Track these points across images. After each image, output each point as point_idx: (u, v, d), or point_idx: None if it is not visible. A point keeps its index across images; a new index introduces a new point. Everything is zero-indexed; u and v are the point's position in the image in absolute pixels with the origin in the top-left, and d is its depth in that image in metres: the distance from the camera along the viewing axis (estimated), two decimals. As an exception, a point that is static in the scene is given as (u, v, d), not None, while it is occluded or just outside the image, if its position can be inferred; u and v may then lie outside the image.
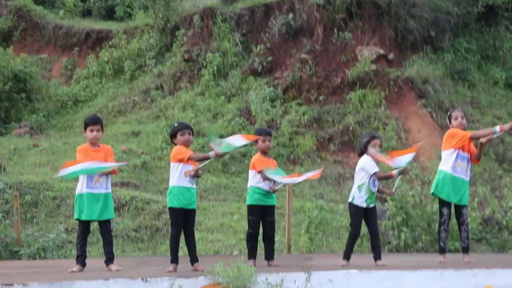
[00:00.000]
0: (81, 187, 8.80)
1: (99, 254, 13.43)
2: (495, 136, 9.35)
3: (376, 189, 9.28)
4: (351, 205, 9.29)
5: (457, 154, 9.45)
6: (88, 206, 8.76)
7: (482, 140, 9.41)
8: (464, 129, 9.54)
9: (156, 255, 14.17)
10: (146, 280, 7.40)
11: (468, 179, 9.57)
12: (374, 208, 9.31)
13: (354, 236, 9.38)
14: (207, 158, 8.66)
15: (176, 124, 9.03)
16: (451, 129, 9.66)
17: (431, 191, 9.82)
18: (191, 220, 8.80)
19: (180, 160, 8.63)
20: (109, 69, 25.98)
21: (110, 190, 8.92)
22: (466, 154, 9.49)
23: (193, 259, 8.72)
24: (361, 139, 9.68)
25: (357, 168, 9.34)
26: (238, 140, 8.86)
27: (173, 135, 8.88)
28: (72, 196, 16.37)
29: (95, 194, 8.77)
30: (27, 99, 24.07)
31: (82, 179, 8.80)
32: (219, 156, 8.68)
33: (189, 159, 8.64)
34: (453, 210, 9.84)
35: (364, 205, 9.17)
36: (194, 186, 8.78)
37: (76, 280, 7.40)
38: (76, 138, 21.45)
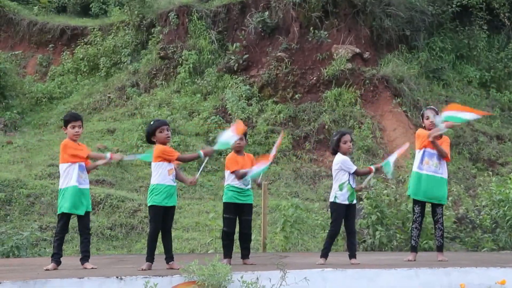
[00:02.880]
0: (72, 180, 8.76)
1: (74, 252, 13.37)
2: (441, 132, 9.40)
3: (355, 184, 9.31)
4: (333, 204, 9.21)
5: (424, 152, 9.52)
6: (80, 200, 8.82)
7: (430, 138, 9.48)
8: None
9: (131, 253, 14.12)
10: (121, 279, 7.37)
11: (441, 175, 9.58)
12: (355, 205, 9.29)
13: (333, 234, 9.34)
14: (197, 157, 8.71)
15: (152, 122, 8.90)
16: (418, 130, 9.87)
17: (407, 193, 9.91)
18: (169, 217, 8.74)
19: (166, 160, 8.55)
20: (84, 66, 25.82)
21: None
22: (435, 151, 9.54)
23: (169, 257, 8.68)
24: (332, 138, 9.61)
25: (335, 167, 9.26)
26: (229, 136, 9.01)
27: (151, 133, 8.71)
28: (46, 193, 16.30)
29: (82, 189, 8.86)
30: (1, 96, 23.89)
31: (72, 172, 8.76)
32: (208, 154, 8.72)
33: (177, 160, 8.63)
34: (428, 209, 9.90)
35: (346, 202, 9.12)
36: (175, 183, 8.71)
37: (50, 278, 7.35)
38: (50, 135, 21.30)
